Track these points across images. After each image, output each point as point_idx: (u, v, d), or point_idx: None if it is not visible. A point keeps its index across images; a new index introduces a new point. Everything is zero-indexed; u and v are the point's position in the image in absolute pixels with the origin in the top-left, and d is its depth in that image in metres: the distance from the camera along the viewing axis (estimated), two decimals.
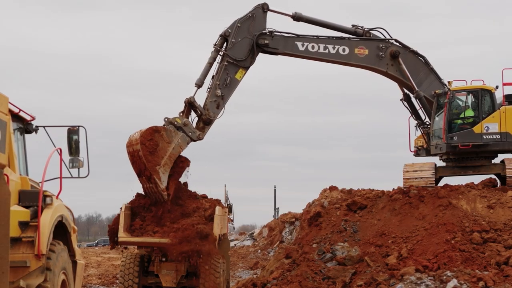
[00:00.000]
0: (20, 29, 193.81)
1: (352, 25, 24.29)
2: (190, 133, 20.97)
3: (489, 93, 24.46)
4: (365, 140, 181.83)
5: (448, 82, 24.92)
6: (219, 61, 22.06)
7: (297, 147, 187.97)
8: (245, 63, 22.28)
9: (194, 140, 21.22)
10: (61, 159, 12.14)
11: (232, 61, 22.00)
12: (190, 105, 21.53)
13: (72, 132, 12.48)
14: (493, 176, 25.06)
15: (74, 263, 12.33)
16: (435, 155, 25.36)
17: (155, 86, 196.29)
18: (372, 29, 24.35)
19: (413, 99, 25.30)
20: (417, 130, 25.89)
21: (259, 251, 45.98)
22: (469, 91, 24.62)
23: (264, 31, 22.62)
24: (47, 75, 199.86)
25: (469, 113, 24.50)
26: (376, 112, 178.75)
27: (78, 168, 12.51)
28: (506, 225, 21.70)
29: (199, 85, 21.79)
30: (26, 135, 12.54)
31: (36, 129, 12.61)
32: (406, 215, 22.75)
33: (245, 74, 22.28)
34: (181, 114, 21.35)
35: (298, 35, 23.29)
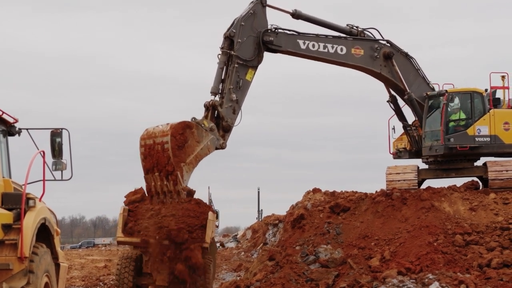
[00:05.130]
0: (5, 29, 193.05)
1: (347, 25, 24.17)
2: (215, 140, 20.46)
3: (480, 95, 24.56)
4: (350, 141, 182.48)
5: None
6: (226, 62, 21.36)
7: (280, 148, 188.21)
8: (254, 63, 21.76)
9: (217, 148, 20.68)
10: (44, 162, 12.11)
11: (242, 62, 21.42)
12: (213, 109, 20.89)
13: (55, 134, 12.40)
14: (475, 179, 25.17)
15: (57, 266, 12.32)
16: (427, 156, 25.25)
17: (140, 88, 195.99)
18: (365, 29, 24.33)
19: (399, 101, 25.30)
20: (394, 133, 25.92)
21: (243, 253, 45.96)
22: (463, 94, 24.63)
23: (269, 28, 22.25)
24: (32, 76, 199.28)
25: (463, 115, 24.56)
26: (361, 114, 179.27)
27: (61, 171, 12.44)
28: (488, 227, 21.81)
29: (215, 93, 21.10)
30: (9, 138, 12.51)
31: (19, 132, 12.56)
32: (389, 217, 22.81)
33: (254, 74, 21.76)
34: (205, 118, 20.68)
35: (299, 33, 22.98)
